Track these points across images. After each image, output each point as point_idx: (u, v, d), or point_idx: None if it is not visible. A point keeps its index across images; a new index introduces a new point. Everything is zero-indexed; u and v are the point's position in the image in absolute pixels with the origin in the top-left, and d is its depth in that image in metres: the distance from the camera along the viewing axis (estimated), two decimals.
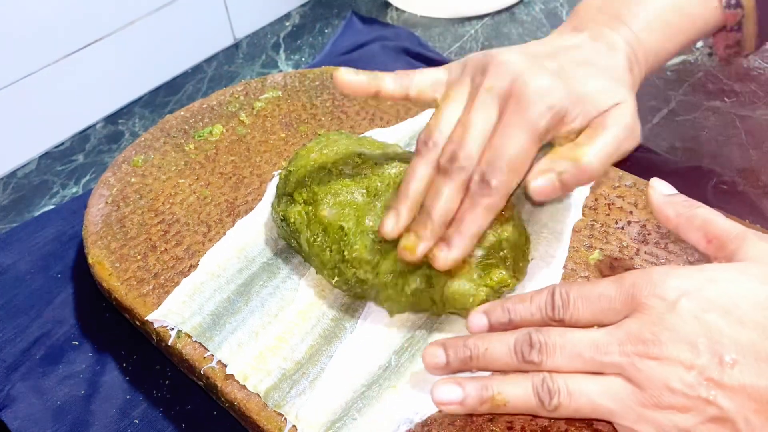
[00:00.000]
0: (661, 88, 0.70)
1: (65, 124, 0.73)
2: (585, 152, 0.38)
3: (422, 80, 0.42)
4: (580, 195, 0.50)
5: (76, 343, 0.51)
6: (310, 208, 0.45)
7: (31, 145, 0.71)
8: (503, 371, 0.35)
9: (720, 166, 0.60)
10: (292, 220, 0.45)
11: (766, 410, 0.29)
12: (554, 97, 0.37)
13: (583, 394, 0.33)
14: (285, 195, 0.47)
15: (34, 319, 0.53)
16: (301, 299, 0.45)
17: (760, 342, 0.30)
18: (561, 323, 0.35)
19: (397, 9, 0.88)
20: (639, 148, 0.61)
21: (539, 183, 0.37)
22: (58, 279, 0.56)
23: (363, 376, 0.40)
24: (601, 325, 0.34)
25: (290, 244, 0.48)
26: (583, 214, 0.49)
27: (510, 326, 0.36)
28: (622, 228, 0.47)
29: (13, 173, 0.69)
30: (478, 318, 0.37)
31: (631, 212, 0.48)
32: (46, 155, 0.71)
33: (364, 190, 0.44)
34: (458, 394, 0.34)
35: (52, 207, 0.64)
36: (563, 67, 0.39)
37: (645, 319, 0.32)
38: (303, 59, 0.82)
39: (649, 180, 0.50)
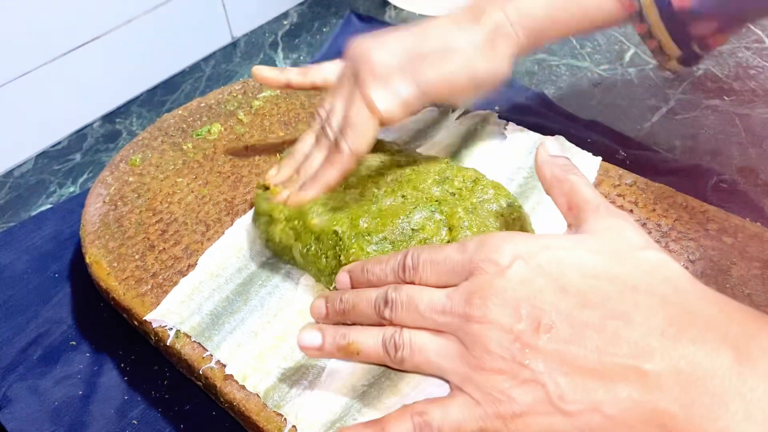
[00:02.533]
0: (660, 87, 0.70)
1: (62, 123, 0.72)
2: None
3: (326, 70, 0.52)
4: None
5: (74, 343, 0.51)
6: (297, 221, 0.44)
7: (28, 144, 0.70)
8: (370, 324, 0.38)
9: (719, 164, 0.60)
10: (277, 240, 0.45)
11: (575, 374, 0.30)
12: (382, 71, 0.45)
13: (423, 351, 0.35)
14: (262, 215, 0.47)
15: (32, 319, 0.53)
16: (300, 298, 0.45)
17: (577, 309, 0.31)
18: (411, 284, 0.36)
19: (395, 7, 0.88)
20: (638, 147, 0.62)
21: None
22: (56, 279, 0.56)
23: (363, 375, 0.40)
24: (447, 287, 0.35)
25: (282, 259, 0.47)
26: None
27: (367, 285, 0.38)
28: None
29: (9, 172, 0.69)
30: (342, 276, 0.40)
31: (631, 210, 0.48)
32: (43, 154, 0.71)
33: (357, 195, 0.43)
34: (318, 339, 0.37)
35: (49, 206, 0.64)
36: (414, 43, 0.46)
37: (477, 282, 0.33)
38: (301, 58, 0.81)
39: (649, 179, 0.50)
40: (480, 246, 0.34)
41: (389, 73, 0.44)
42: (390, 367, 0.38)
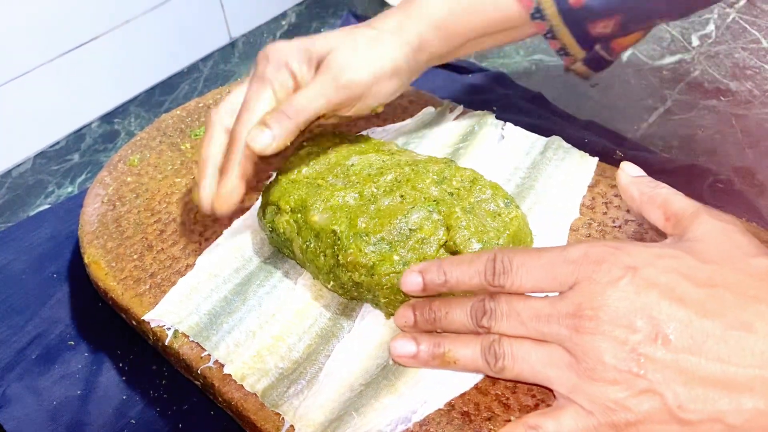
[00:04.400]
0: (657, 87, 0.70)
1: (60, 123, 0.72)
2: (287, 101, 0.44)
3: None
4: (578, 194, 0.50)
5: (72, 343, 0.51)
6: (299, 215, 0.44)
7: (26, 144, 0.70)
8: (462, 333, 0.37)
9: (716, 164, 0.60)
10: (281, 230, 0.45)
11: (695, 383, 0.30)
12: (277, 51, 0.45)
13: (526, 361, 0.34)
14: (270, 204, 0.47)
15: (30, 319, 0.53)
16: (298, 298, 0.45)
17: (696, 320, 0.30)
18: (501, 288, 0.35)
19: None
20: (635, 147, 0.62)
21: (253, 138, 0.43)
22: (54, 279, 0.56)
23: (361, 375, 0.40)
24: (542, 294, 0.35)
25: (283, 252, 0.48)
26: (581, 213, 0.49)
27: (445, 287, 0.37)
28: (620, 227, 0.47)
29: (8, 173, 0.69)
30: (413, 276, 0.38)
31: (628, 211, 0.48)
32: (42, 154, 0.71)
33: (357, 195, 0.44)
34: (412, 348, 0.38)
35: (47, 206, 0.64)
36: (313, 45, 0.46)
37: (587, 293, 0.32)
38: None
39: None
40: (586, 254, 0.33)
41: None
42: (488, 375, 0.38)
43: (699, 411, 0.30)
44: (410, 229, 0.41)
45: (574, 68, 0.53)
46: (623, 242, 0.34)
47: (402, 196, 0.43)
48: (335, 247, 0.42)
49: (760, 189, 0.58)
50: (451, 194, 0.43)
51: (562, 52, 0.52)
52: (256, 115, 0.44)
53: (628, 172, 0.40)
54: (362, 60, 0.45)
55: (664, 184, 0.38)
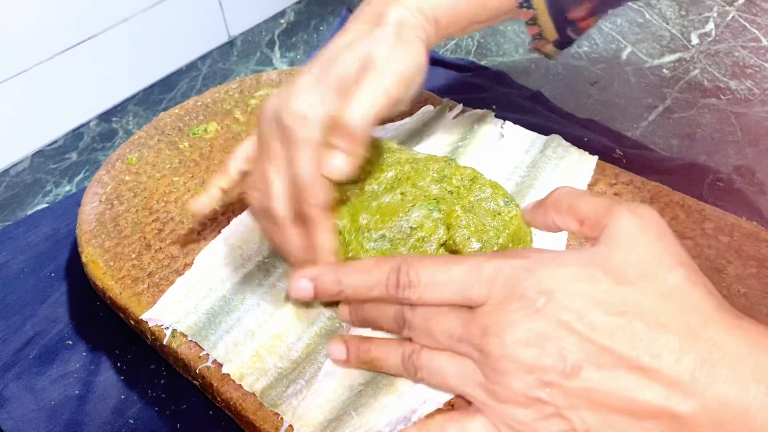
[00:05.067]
0: (656, 86, 0.70)
1: (58, 121, 0.72)
2: (344, 119, 0.39)
3: (244, 151, 0.46)
4: None
5: (70, 342, 0.51)
6: None
7: (24, 143, 0.70)
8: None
9: (716, 163, 0.60)
10: None
11: (604, 411, 0.30)
12: (309, 111, 0.39)
13: (441, 374, 0.35)
14: None
15: (28, 318, 0.53)
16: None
17: (605, 352, 0.30)
18: (406, 301, 0.35)
19: None
20: (635, 145, 0.62)
21: (330, 167, 0.39)
22: (52, 278, 0.56)
23: (360, 374, 0.40)
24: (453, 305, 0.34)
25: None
26: None
27: (340, 297, 0.37)
28: None
29: (5, 171, 0.69)
30: (302, 282, 0.37)
31: None
32: (39, 153, 0.71)
33: (357, 191, 0.43)
34: (343, 354, 0.38)
35: (45, 205, 0.64)
36: (321, 68, 0.41)
37: (497, 318, 0.32)
38: (298, 57, 0.81)
39: (646, 177, 0.50)
40: (499, 274, 0.32)
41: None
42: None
43: None
44: (411, 227, 0.41)
45: (543, 50, 0.53)
46: (540, 257, 0.32)
47: (402, 193, 0.43)
48: (337, 243, 0.42)
49: (760, 187, 0.58)
50: (451, 192, 0.43)
51: (538, 36, 0.52)
52: (318, 186, 0.39)
53: (526, 209, 0.38)
54: (402, 53, 0.42)
55: (563, 187, 0.36)
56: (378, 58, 0.41)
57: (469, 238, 0.40)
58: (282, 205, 0.40)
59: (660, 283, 0.31)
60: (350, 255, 0.41)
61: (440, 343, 0.34)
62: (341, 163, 0.39)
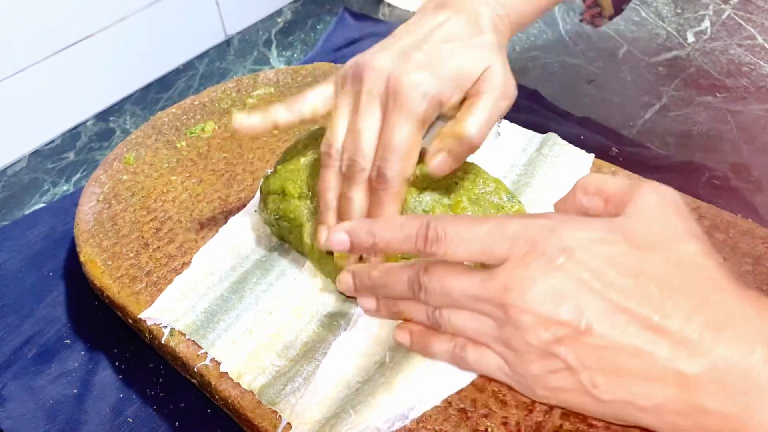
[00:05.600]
0: (652, 84, 0.70)
1: (56, 121, 0.72)
2: (465, 126, 0.41)
3: (313, 100, 0.46)
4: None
5: (69, 341, 0.51)
6: (308, 201, 0.44)
7: (21, 142, 0.70)
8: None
9: (712, 161, 0.60)
10: (292, 216, 0.45)
11: (611, 370, 0.31)
12: (426, 86, 0.40)
13: (462, 330, 0.36)
14: (273, 194, 0.47)
15: (26, 317, 0.53)
16: (295, 296, 0.45)
17: (618, 311, 0.31)
18: (433, 255, 0.36)
19: (389, 5, 0.88)
20: (631, 143, 0.62)
21: (434, 163, 0.40)
22: (50, 277, 0.56)
23: (358, 372, 0.40)
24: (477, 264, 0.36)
25: (287, 241, 0.48)
26: None
27: (373, 250, 0.38)
28: None
29: (3, 171, 0.69)
30: (338, 235, 0.38)
31: None
32: (37, 153, 0.71)
33: None
34: (372, 305, 0.41)
35: (42, 205, 0.64)
36: (430, 51, 0.42)
37: (517, 274, 0.33)
38: (295, 55, 0.81)
39: (642, 175, 0.51)
40: (523, 231, 0.33)
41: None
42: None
43: (613, 393, 0.32)
44: (424, 210, 0.41)
45: (597, 22, 0.54)
46: (564, 219, 0.34)
47: (415, 176, 0.43)
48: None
49: (756, 185, 0.58)
50: (456, 183, 0.43)
51: (592, 6, 0.53)
52: (405, 154, 0.41)
53: (555, 203, 0.40)
54: (512, 79, 0.43)
55: (590, 174, 0.38)
56: (496, 78, 0.42)
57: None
58: (368, 161, 0.41)
59: (675, 252, 0.32)
60: None
61: (458, 303, 0.35)
62: (443, 162, 0.40)
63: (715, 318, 0.30)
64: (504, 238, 0.33)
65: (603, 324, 0.31)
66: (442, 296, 0.36)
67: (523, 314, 0.32)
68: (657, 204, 0.34)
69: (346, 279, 0.41)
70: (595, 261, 0.32)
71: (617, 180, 0.36)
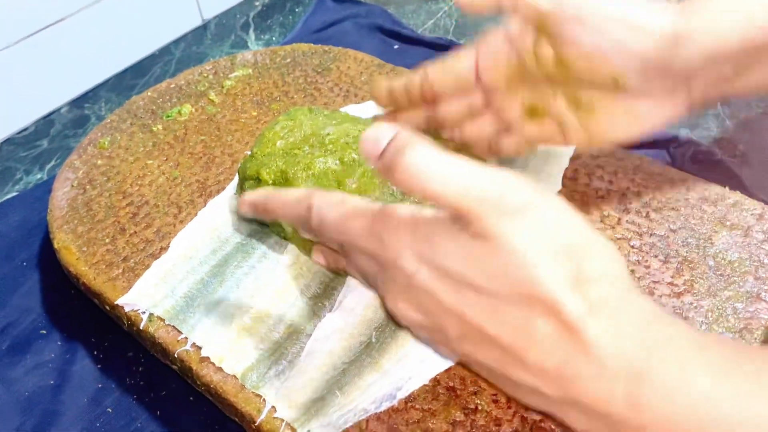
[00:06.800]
0: None
1: (28, 108, 0.70)
2: None
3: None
4: (560, 166, 0.49)
5: (44, 332, 0.49)
6: (283, 187, 0.43)
7: None
8: None
9: (697, 136, 0.60)
10: None
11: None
12: None
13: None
14: (248, 179, 0.45)
15: (0, 308, 0.51)
16: (278, 278, 0.44)
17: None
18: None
19: None
20: None
21: None
22: (24, 267, 0.54)
23: (344, 353, 0.39)
24: None
25: (268, 227, 0.46)
26: (563, 185, 0.48)
27: (270, 217, 0.38)
28: (603, 197, 0.47)
29: None
30: (245, 207, 0.38)
31: (611, 181, 0.48)
32: (9, 141, 0.69)
33: (338, 161, 0.42)
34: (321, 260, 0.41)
35: (15, 194, 0.62)
36: None
37: (388, 279, 0.32)
38: (274, 39, 0.80)
39: (628, 151, 0.50)
40: (387, 241, 0.31)
41: None
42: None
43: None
44: (402, 192, 0.40)
45: None
46: (414, 229, 0.31)
47: None
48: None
49: (742, 159, 0.57)
50: None
51: None
52: None
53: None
54: None
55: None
56: None
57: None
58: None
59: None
60: None
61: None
62: None
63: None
64: (372, 239, 0.32)
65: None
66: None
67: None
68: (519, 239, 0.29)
69: (318, 258, 0.41)
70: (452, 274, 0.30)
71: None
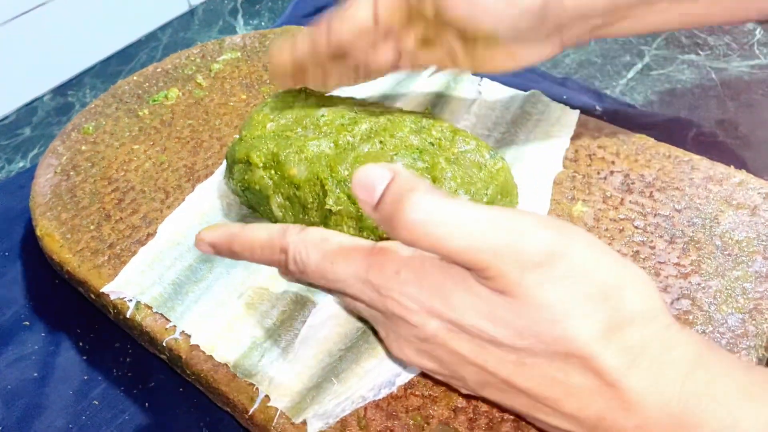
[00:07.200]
0: (634, 43, 0.68)
1: (10, 96, 0.68)
2: None
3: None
4: (560, 147, 0.48)
5: (27, 323, 0.48)
6: (274, 171, 0.41)
7: None
8: None
9: (698, 117, 0.59)
10: (257, 188, 0.42)
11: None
12: None
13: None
14: (237, 163, 0.43)
15: None
16: None
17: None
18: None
19: None
20: (615, 102, 0.60)
21: None
22: (5, 257, 0.52)
23: (340, 340, 0.37)
24: None
25: (258, 212, 0.44)
26: (564, 166, 0.47)
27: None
28: (605, 178, 0.45)
29: None
30: (203, 246, 0.34)
31: (613, 162, 0.46)
32: None
33: (332, 144, 0.40)
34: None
35: None
36: None
37: (391, 329, 0.30)
38: (263, 24, 0.78)
39: (629, 130, 0.48)
40: (389, 291, 0.29)
41: None
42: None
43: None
44: None
45: None
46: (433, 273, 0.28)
47: (381, 142, 0.40)
48: (320, 197, 0.39)
49: (744, 141, 0.56)
50: (433, 144, 0.40)
51: None
52: None
53: None
54: None
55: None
56: None
57: (456, 190, 0.38)
58: None
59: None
60: (338, 209, 0.38)
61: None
62: None
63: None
64: (366, 289, 0.29)
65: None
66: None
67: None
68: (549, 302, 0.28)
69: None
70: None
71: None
